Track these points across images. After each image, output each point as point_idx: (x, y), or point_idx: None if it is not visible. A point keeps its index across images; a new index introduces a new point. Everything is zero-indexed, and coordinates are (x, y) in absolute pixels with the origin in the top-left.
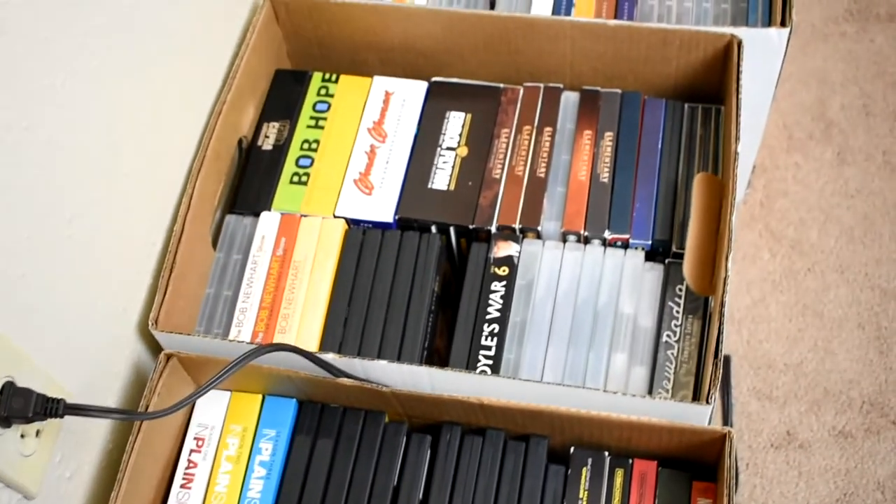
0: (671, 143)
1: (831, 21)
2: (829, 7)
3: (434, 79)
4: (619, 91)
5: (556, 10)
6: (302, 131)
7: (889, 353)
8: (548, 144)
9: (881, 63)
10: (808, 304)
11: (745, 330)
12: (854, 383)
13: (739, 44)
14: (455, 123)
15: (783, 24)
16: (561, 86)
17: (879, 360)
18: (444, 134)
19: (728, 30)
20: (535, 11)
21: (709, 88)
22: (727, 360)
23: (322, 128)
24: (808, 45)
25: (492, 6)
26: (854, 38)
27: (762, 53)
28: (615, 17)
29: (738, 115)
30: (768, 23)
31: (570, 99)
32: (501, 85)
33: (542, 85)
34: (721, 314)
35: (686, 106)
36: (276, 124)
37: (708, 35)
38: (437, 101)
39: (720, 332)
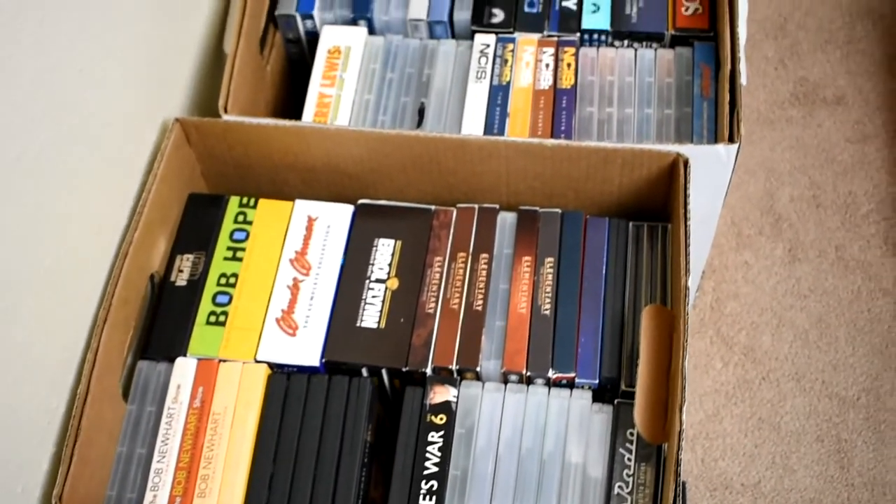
0: (616, 266)
1: (777, 106)
2: (774, 91)
3: (360, 201)
4: (558, 211)
5: (488, 127)
6: (218, 264)
7: (850, 468)
8: (484, 273)
9: (829, 150)
10: (764, 417)
11: (700, 447)
12: (815, 502)
13: (686, 163)
14: (384, 252)
15: (731, 139)
16: (497, 206)
17: (840, 475)
18: (373, 264)
19: (673, 148)
20: (465, 129)
21: (654, 204)
22: (683, 486)
23: (240, 260)
24: (754, 133)
25: (420, 120)
26: (801, 123)
27: (709, 167)
28: (552, 128)
29: (686, 245)
30: (714, 137)
31: (506, 220)
32: (433, 207)
33: (476, 206)
34: (676, 471)
35: (631, 225)
36: (191, 256)
37: (652, 153)
38: (365, 227)
39: (677, 488)
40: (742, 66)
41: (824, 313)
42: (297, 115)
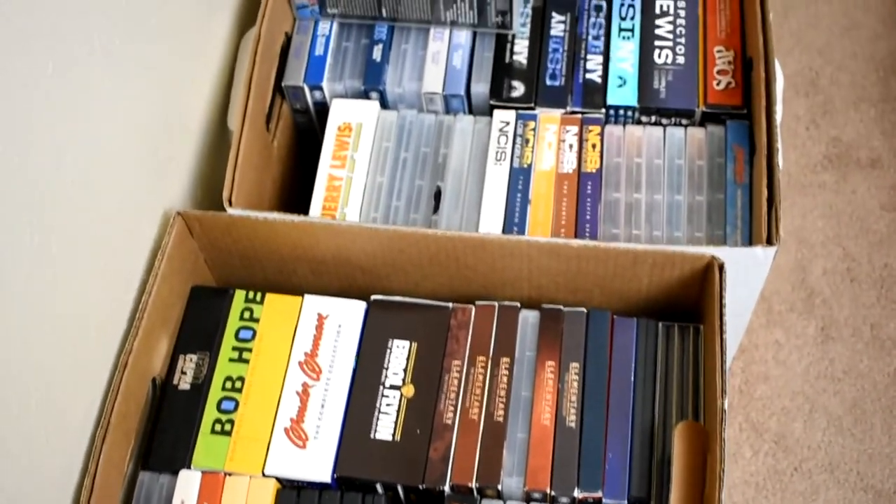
0: (645, 371)
1: (809, 169)
2: (805, 153)
3: (374, 297)
4: (584, 310)
5: (508, 215)
6: (224, 366)
7: None
8: (505, 379)
9: (864, 218)
10: None
11: None
12: None
13: (721, 267)
14: (399, 355)
15: (769, 241)
16: (518, 304)
17: None
18: (387, 369)
19: (707, 250)
20: (484, 216)
21: (685, 302)
22: None
23: (247, 361)
24: (786, 199)
25: (436, 205)
26: (834, 188)
27: (745, 268)
28: (576, 216)
29: (723, 362)
30: (749, 226)
31: (528, 320)
32: (450, 305)
33: (496, 303)
34: None
35: (660, 325)
36: (195, 357)
37: (685, 255)
38: (378, 327)
39: None
40: (779, 152)
41: (859, 398)
42: (307, 192)
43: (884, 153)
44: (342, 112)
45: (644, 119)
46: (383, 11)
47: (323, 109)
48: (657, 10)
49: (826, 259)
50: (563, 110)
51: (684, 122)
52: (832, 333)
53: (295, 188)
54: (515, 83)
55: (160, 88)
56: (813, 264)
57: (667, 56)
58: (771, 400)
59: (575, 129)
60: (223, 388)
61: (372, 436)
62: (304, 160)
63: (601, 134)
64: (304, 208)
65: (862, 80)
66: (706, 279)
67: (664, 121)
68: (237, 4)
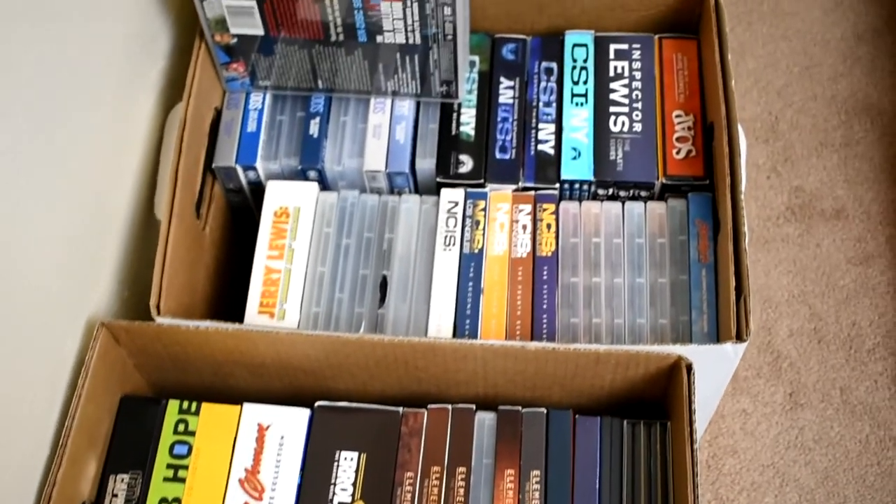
0: (611, 475)
1: (771, 222)
2: (767, 204)
3: (318, 403)
4: (543, 411)
5: (460, 306)
6: (158, 487)
7: None
8: (462, 491)
9: (830, 273)
10: None
11: None
12: None
13: (689, 367)
14: (347, 468)
15: (739, 337)
16: (473, 407)
17: None
18: (335, 484)
19: (673, 349)
20: (434, 308)
21: (651, 398)
22: None
23: (183, 480)
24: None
25: (382, 296)
26: (798, 241)
27: (713, 363)
28: (532, 307)
29: (694, 463)
30: (716, 311)
31: (485, 423)
32: (400, 410)
33: (450, 407)
34: None
35: (625, 423)
36: (126, 477)
37: (650, 355)
38: (324, 436)
39: None
40: (745, 234)
41: (831, 468)
42: (245, 277)
43: (848, 203)
44: (278, 195)
45: (601, 192)
46: (319, 83)
47: (258, 188)
48: (611, 73)
49: (792, 319)
50: (514, 186)
51: (643, 193)
52: (801, 399)
53: (231, 273)
54: (463, 157)
55: (80, 180)
56: (778, 325)
57: (623, 123)
58: (740, 475)
59: (528, 207)
60: None
61: None
62: (240, 240)
63: (556, 212)
64: (241, 297)
65: (823, 123)
66: (673, 377)
67: (622, 193)
68: (161, 78)
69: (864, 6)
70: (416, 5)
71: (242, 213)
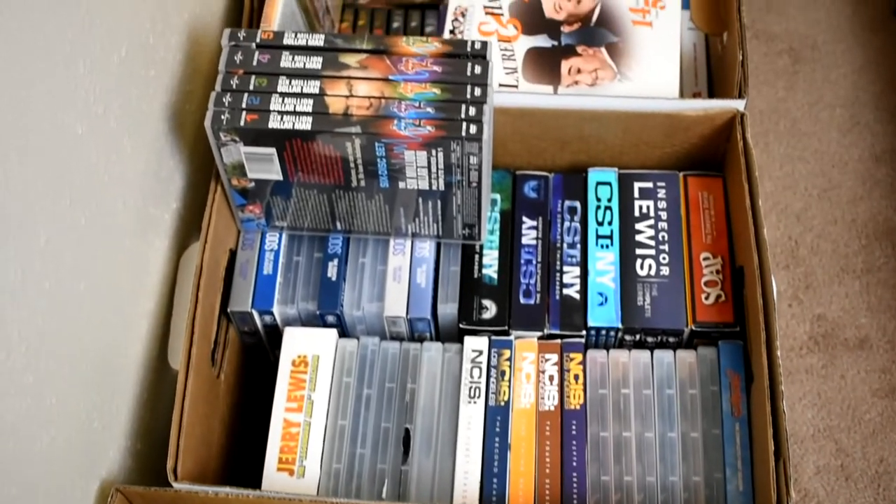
0: None
1: (794, 352)
2: (790, 334)
3: None
4: None
5: (486, 463)
6: None
7: None
8: None
9: (855, 407)
10: None
11: None
12: None
13: None
14: None
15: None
16: None
17: None
18: None
19: None
20: (460, 465)
21: None
22: None
23: None
24: None
25: (405, 452)
26: (821, 373)
27: None
28: (561, 461)
29: None
30: (752, 495)
31: None
32: None
33: None
34: None
35: None
36: None
37: None
38: None
39: None
40: (782, 387)
41: None
42: (260, 426)
43: (871, 332)
44: (296, 343)
45: (628, 338)
46: (337, 224)
47: (274, 332)
48: (636, 212)
49: (818, 455)
50: (539, 332)
51: (672, 339)
52: None
53: (247, 419)
54: (486, 302)
55: (95, 327)
56: (805, 461)
57: (650, 267)
58: None
59: (555, 357)
60: None
61: None
62: (255, 381)
63: (583, 362)
64: (259, 446)
65: (844, 248)
66: None
67: (650, 339)
68: (175, 219)
69: (881, 126)
70: (440, 154)
71: (257, 351)
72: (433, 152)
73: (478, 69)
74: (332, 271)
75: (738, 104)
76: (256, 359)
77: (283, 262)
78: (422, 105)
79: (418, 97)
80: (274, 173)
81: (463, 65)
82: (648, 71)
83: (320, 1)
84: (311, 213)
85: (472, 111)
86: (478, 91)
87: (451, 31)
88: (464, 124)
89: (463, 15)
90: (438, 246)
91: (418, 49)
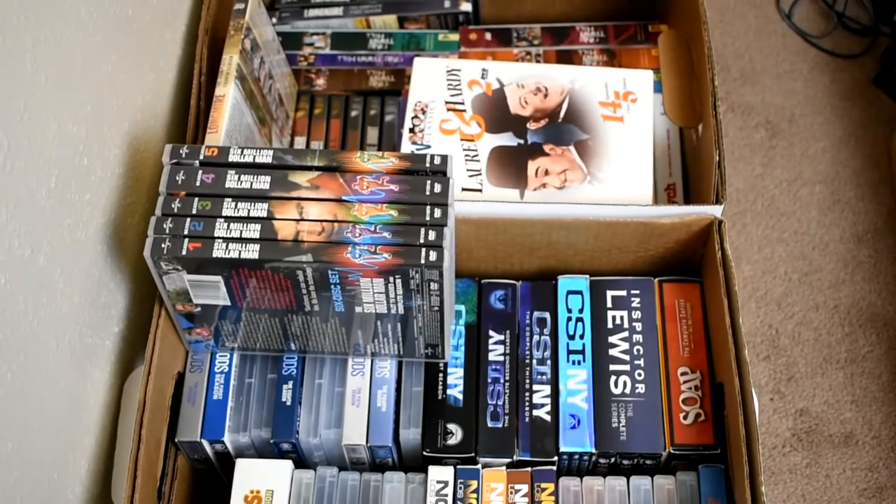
0: None
1: (777, 451)
2: (772, 430)
3: None
4: None
5: None
6: None
7: None
8: None
9: None
10: None
11: None
12: None
13: None
14: None
15: None
16: None
17: None
18: None
19: None
20: None
21: None
22: None
23: None
24: None
25: None
26: (805, 472)
27: None
28: None
29: None
30: None
31: None
32: None
33: None
34: None
35: None
36: None
37: None
38: None
39: None
40: None
41: None
42: None
43: (857, 426)
44: (248, 477)
45: (602, 461)
46: (291, 345)
47: (227, 458)
48: (609, 324)
49: None
50: (508, 459)
51: (649, 462)
52: None
53: None
54: (452, 426)
55: (32, 467)
56: None
57: (624, 384)
58: None
59: (525, 487)
60: None
61: None
62: None
63: (555, 492)
64: None
65: (827, 336)
66: None
67: (626, 461)
68: (118, 342)
69: (862, 204)
70: (398, 281)
71: (209, 476)
72: (391, 279)
73: (437, 187)
74: (286, 395)
75: (714, 210)
76: (209, 485)
77: (235, 384)
78: (377, 229)
79: (374, 220)
80: (221, 299)
81: (421, 183)
82: (620, 172)
83: (272, 94)
84: (263, 334)
85: (432, 235)
86: (437, 212)
87: (411, 130)
88: (423, 251)
89: (423, 112)
90: (400, 364)
91: (373, 165)
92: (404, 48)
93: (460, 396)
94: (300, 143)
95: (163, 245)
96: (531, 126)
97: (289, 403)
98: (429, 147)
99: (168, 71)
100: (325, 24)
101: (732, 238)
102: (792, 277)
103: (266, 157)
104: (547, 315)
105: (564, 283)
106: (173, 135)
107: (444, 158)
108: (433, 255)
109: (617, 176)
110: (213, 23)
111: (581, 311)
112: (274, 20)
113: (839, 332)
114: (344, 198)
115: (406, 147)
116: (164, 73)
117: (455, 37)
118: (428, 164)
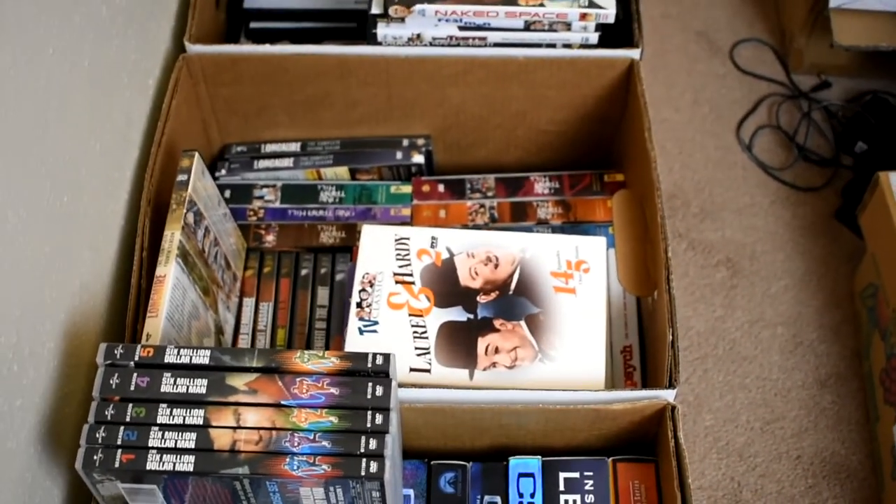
0: None
1: None
2: None
3: None
4: None
5: None
6: None
7: None
8: None
9: None
10: None
11: None
12: None
13: None
14: None
15: None
16: None
17: None
18: None
19: None
20: None
21: None
22: None
23: None
24: None
25: None
26: None
27: None
28: None
29: None
30: None
31: None
32: None
33: None
34: None
35: None
36: None
37: None
38: None
39: None
40: None
41: None
42: None
43: None
44: None
45: None
46: None
47: None
48: None
49: None
50: None
51: None
52: None
53: None
54: None
55: None
56: None
57: None
58: None
59: None
60: None
61: None
62: None
63: None
64: None
65: (790, 488)
66: None
67: None
68: None
69: (825, 346)
70: (339, 490)
71: None
72: (331, 489)
73: (379, 390)
74: None
75: (668, 395)
76: None
77: None
78: (317, 437)
79: (313, 427)
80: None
81: (363, 385)
82: (572, 350)
83: (219, 261)
84: None
85: (373, 444)
86: (379, 418)
87: (359, 304)
88: (363, 461)
89: (371, 284)
90: None
91: (314, 366)
92: (356, 201)
93: None
94: (249, 304)
95: (95, 457)
96: (481, 299)
97: None
98: (377, 323)
99: (109, 246)
100: (276, 175)
101: (693, 384)
102: (754, 426)
103: (203, 357)
104: (498, 499)
105: (516, 464)
106: (114, 313)
107: (387, 358)
108: (374, 467)
109: (569, 354)
110: (155, 191)
111: (532, 495)
112: (223, 171)
113: (802, 483)
114: (283, 402)
115: (353, 324)
116: (104, 250)
117: (408, 189)
118: (370, 364)
